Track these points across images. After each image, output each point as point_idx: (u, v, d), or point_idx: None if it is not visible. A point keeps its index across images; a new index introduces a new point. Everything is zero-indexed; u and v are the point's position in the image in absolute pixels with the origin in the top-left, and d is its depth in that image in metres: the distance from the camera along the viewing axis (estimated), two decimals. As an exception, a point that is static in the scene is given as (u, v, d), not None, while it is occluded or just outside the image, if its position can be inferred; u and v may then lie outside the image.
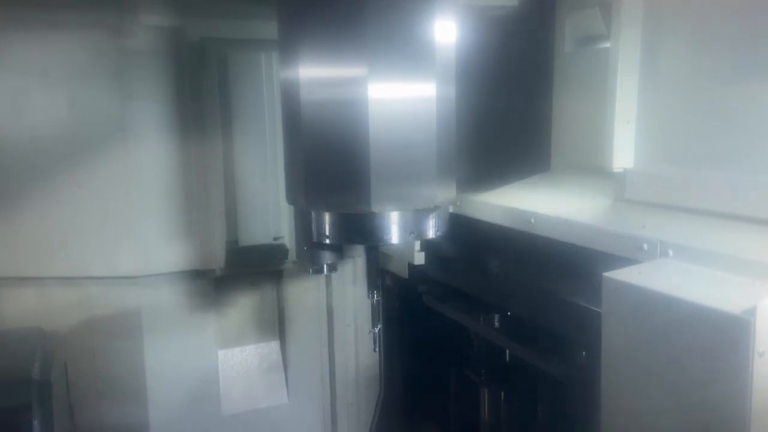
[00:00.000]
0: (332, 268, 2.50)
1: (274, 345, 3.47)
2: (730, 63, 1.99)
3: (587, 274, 1.94)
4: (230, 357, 3.36)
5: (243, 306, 3.42)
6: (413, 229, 2.16)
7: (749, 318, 1.36)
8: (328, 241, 2.23)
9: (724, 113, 2.00)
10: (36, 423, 2.04)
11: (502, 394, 2.80)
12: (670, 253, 1.79)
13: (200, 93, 2.97)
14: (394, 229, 2.13)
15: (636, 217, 2.08)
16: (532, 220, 2.31)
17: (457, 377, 3.13)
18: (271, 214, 3.11)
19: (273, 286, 3.43)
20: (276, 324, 3.47)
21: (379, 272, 2.54)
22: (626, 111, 2.27)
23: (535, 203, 2.43)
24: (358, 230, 2.16)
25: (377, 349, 2.77)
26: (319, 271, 2.47)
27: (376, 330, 2.63)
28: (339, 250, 2.53)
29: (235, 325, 3.37)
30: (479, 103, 2.75)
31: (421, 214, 2.17)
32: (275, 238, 3.15)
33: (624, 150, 2.28)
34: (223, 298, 3.32)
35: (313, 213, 2.23)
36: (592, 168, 2.41)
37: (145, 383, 3.13)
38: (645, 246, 1.85)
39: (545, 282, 2.26)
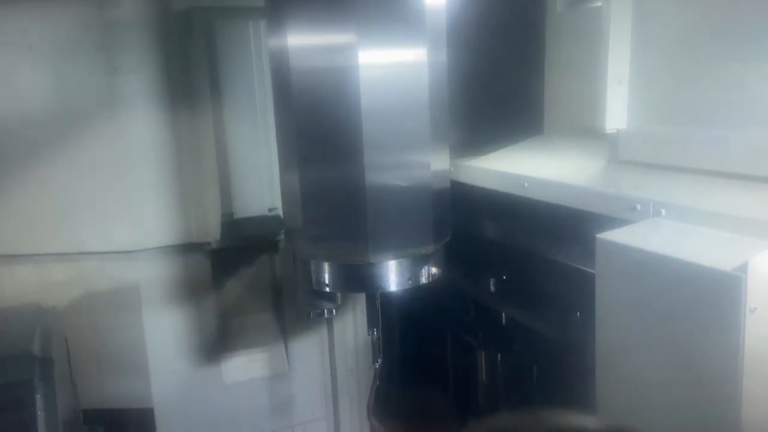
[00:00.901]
0: (332, 311, 2.53)
1: (273, 314, 3.49)
2: (723, 19, 1.96)
3: (581, 235, 1.95)
4: (229, 327, 3.39)
5: (240, 277, 3.43)
6: (410, 275, 2.21)
7: (741, 275, 1.37)
8: (327, 289, 2.26)
9: (716, 71, 1.98)
10: (39, 397, 2.05)
11: (499, 356, 2.83)
12: (663, 212, 1.79)
13: (188, 63, 2.94)
14: (392, 277, 2.17)
15: (629, 178, 2.08)
16: (526, 184, 2.30)
17: (455, 342, 3.16)
18: (265, 185, 3.10)
19: (270, 257, 3.44)
20: (274, 294, 3.49)
21: (378, 311, 2.58)
22: (618, 71, 2.24)
23: (529, 167, 2.42)
24: (356, 280, 2.19)
25: (378, 382, 2.80)
26: (320, 315, 2.50)
27: (377, 365, 2.66)
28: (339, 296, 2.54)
29: (233, 296, 3.39)
30: (469, 66, 2.72)
31: (418, 260, 2.20)
32: (270, 210, 3.15)
33: (617, 111, 2.25)
34: (221, 270, 3.33)
35: (312, 263, 2.25)
36: (586, 130, 2.39)
37: (146, 356, 3.16)
38: (638, 206, 1.84)
39: (540, 245, 2.27)
